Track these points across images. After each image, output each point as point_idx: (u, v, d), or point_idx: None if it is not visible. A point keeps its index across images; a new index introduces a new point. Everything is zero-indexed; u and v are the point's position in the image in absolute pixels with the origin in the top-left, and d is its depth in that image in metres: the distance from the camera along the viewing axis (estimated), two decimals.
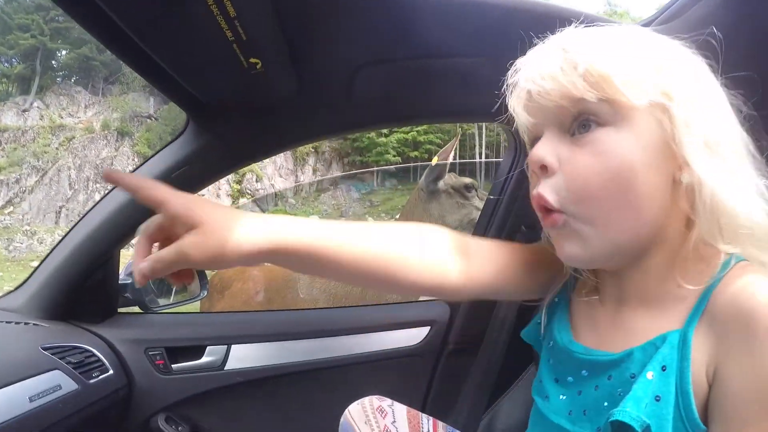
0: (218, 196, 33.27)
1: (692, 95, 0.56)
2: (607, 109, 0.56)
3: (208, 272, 2.03)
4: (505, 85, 0.67)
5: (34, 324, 1.38)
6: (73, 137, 32.98)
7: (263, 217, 0.66)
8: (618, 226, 0.58)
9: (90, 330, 1.48)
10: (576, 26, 0.63)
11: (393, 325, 1.66)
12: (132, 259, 0.66)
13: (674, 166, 0.56)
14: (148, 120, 34.96)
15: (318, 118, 1.35)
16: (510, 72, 0.65)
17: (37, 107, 36.32)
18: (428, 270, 0.70)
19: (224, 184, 34.13)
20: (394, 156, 33.78)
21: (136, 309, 1.63)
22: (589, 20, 0.68)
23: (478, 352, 1.59)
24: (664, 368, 0.54)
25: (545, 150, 0.59)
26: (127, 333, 1.53)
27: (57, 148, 32.60)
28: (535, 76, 0.60)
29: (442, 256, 0.72)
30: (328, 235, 0.66)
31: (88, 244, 1.44)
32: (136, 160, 32.97)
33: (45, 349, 1.24)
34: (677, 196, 0.57)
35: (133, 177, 0.63)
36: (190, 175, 1.38)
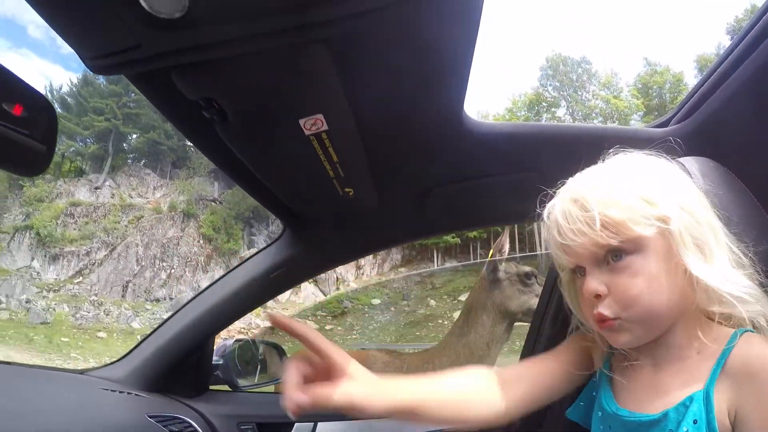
0: None
1: (681, 214, 0.76)
2: (628, 244, 0.76)
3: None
4: (542, 227, 0.88)
5: (136, 394, 1.52)
6: (142, 216, 33.58)
7: (393, 380, 0.84)
8: (654, 317, 0.77)
9: (186, 403, 1.62)
10: (609, 154, 0.85)
11: None
12: (285, 391, 0.73)
13: (680, 264, 0.76)
14: (213, 203, 35.38)
15: (395, 228, 1.55)
16: (546, 219, 0.85)
17: (109, 186, 36.99)
18: (485, 407, 0.89)
19: None
20: (453, 237, 32.32)
21: (226, 387, 1.79)
22: (624, 138, 0.95)
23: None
24: (695, 422, 0.71)
25: (594, 284, 0.78)
26: (220, 408, 1.67)
27: (126, 226, 33.07)
28: (567, 234, 0.79)
29: (492, 393, 0.90)
30: (430, 393, 0.86)
31: (192, 330, 1.62)
32: (201, 241, 33.18)
33: (151, 417, 1.38)
34: (685, 283, 0.76)
35: (299, 326, 0.78)
36: (285, 276, 1.59)
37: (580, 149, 0.97)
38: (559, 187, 0.87)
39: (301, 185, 1.21)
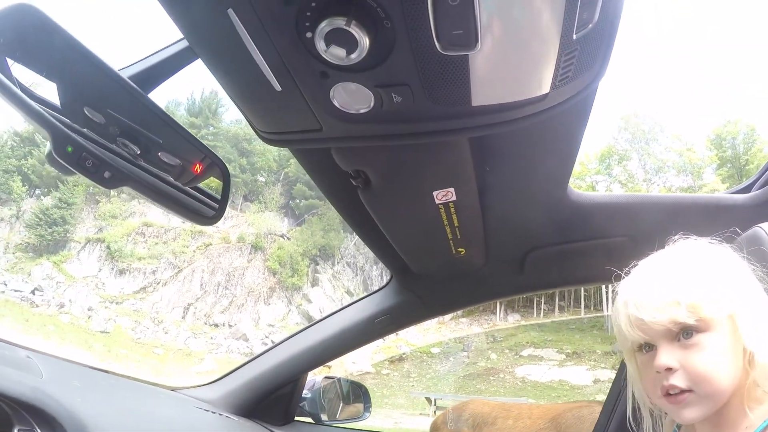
0: None
1: (747, 303, 0.87)
2: (702, 323, 0.85)
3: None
4: (614, 303, 0.95)
5: (227, 416, 1.64)
6: (210, 244, 34.40)
7: None
8: (721, 392, 0.85)
9: (272, 430, 1.74)
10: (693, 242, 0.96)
11: None
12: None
13: (742, 344, 0.86)
14: (281, 238, 36.21)
15: (495, 284, 1.66)
16: (621, 296, 0.94)
17: None
18: None
19: None
20: None
21: (309, 420, 1.91)
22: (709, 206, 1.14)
23: None
24: None
25: (667, 359, 0.86)
26: None
27: (194, 251, 34.01)
28: (646, 310, 0.87)
29: None
30: None
31: (290, 363, 1.76)
32: (265, 273, 33.66)
33: None
34: (745, 361, 0.86)
35: None
36: (389, 323, 1.71)
37: (666, 217, 1.33)
38: (648, 252, 0.97)
39: (422, 244, 1.39)
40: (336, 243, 36.63)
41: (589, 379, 20.26)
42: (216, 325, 30.12)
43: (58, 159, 0.66)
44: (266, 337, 29.00)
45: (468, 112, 0.79)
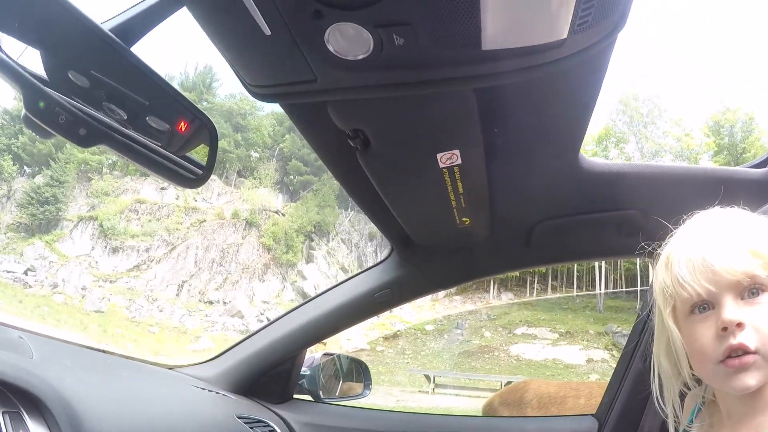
0: None
1: None
2: None
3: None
4: (667, 256, 0.90)
5: (224, 394, 1.62)
6: (204, 220, 34.37)
7: None
8: None
9: (270, 408, 1.72)
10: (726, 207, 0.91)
11: None
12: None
13: None
14: (276, 214, 36.06)
15: (500, 257, 1.62)
16: (682, 246, 0.88)
17: (174, 187, 38.36)
18: None
19: None
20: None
21: (308, 397, 1.88)
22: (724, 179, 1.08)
23: None
24: None
25: (736, 313, 0.80)
26: (302, 417, 1.76)
27: (188, 228, 33.95)
28: (724, 257, 0.81)
29: None
30: None
31: (288, 340, 1.72)
32: (260, 250, 33.68)
33: (239, 418, 1.47)
34: None
35: None
36: (389, 298, 1.66)
37: (680, 190, 1.29)
38: (659, 227, 0.94)
39: (424, 212, 1.31)
40: (331, 219, 36.74)
41: (583, 359, 20.67)
42: (210, 303, 30.27)
43: (31, 116, 0.62)
44: (261, 314, 29.20)
45: (478, 57, 0.72)
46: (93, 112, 0.69)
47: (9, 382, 0.90)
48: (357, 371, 2.12)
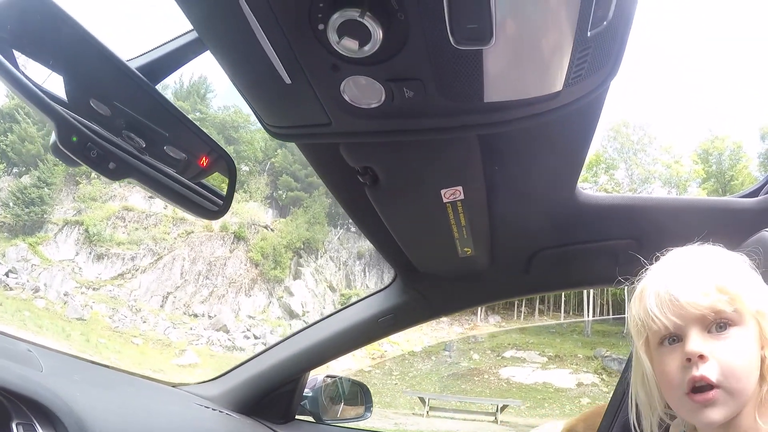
0: (322, 315, 33.24)
1: (764, 296, 0.88)
2: (736, 316, 0.84)
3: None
4: (641, 290, 0.94)
5: (227, 414, 1.65)
6: (192, 232, 33.83)
7: None
8: (746, 392, 0.83)
9: (272, 428, 1.75)
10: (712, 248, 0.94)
11: None
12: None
13: (763, 342, 0.86)
14: (265, 229, 35.86)
15: (500, 285, 1.68)
16: (653, 281, 0.92)
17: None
18: None
19: (329, 306, 34.13)
20: None
21: (310, 418, 1.91)
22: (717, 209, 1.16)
23: None
24: None
25: (699, 345, 0.83)
26: None
27: (175, 238, 33.45)
28: (687, 292, 0.85)
29: None
30: None
31: (292, 362, 1.76)
32: (247, 264, 33.34)
33: None
34: (764, 367, 0.85)
35: None
36: (392, 323, 1.71)
37: (673, 220, 1.37)
38: (657, 255, 0.97)
39: (428, 243, 1.37)
40: (320, 236, 36.58)
41: (573, 383, 20.63)
42: (195, 316, 29.81)
43: (63, 149, 0.66)
44: (247, 330, 28.82)
45: (480, 108, 0.79)
46: (120, 141, 0.73)
47: (22, 394, 0.93)
48: (358, 394, 2.14)
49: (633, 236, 1.43)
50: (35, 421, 0.92)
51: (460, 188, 1.07)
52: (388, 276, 1.73)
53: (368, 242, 1.47)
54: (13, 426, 0.89)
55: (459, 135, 0.89)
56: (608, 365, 21.10)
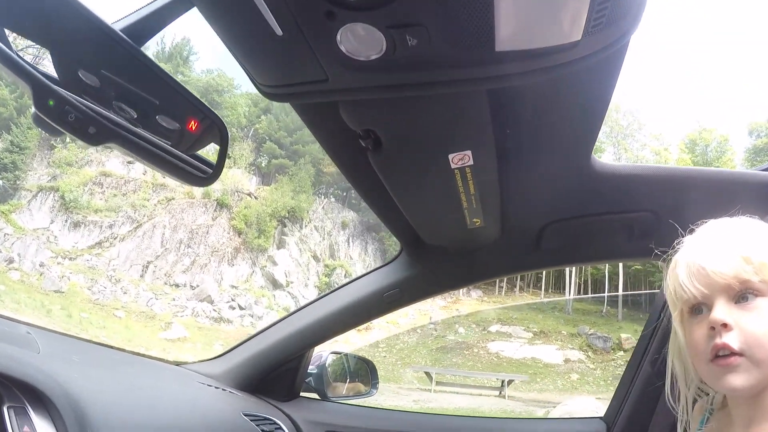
0: (306, 286, 33.21)
1: None
2: (763, 285, 0.86)
3: None
4: (671, 260, 0.97)
5: (230, 392, 1.64)
6: (173, 198, 33.40)
7: None
8: None
9: (277, 406, 1.74)
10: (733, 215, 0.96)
11: None
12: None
13: None
14: (249, 197, 35.57)
15: (510, 258, 1.64)
16: (685, 252, 0.94)
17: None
18: None
19: (313, 276, 34.20)
20: None
21: (315, 395, 1.90)
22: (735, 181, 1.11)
23: None
24: None
25: (724, 314, 0.86)
26: (309, 415, 1.79)
27: (155, 205, 32.94)
28: (715, 260, 0.88)
29: None
30: None
31: (296, 338, 1.74)
32: (230, 233, 33.08)
33: (246, 415, 1.49)
34: None
35: None
36: (399, 297, 1.68)
37: (691, 192, 1.31)
38: (691, 228, 0.98)
39: (435, 213, 1.31)
40: (305, 206, 36.51)
41: (560, 359, 21.16)
42: (177, 285, 29.60)
43: (41, 115, 0.64)
44: (232, 300, 28.65)
45: (491, 58, 0.73)
46: (103, 110, 0.69)
47: (14, 377, 0.92)
48: (364, 370, 2.12)
49: (650, 209, 1.40)
50: (27, 404, 0.91)
51: (469, 153, 1.01)
52: (371, 247, 1.69)
53: (352, 213, 1.36)
54: (5, 409, 0.88)
55: (468, 89, 0.82)
56: (593, 342, 21.82)
